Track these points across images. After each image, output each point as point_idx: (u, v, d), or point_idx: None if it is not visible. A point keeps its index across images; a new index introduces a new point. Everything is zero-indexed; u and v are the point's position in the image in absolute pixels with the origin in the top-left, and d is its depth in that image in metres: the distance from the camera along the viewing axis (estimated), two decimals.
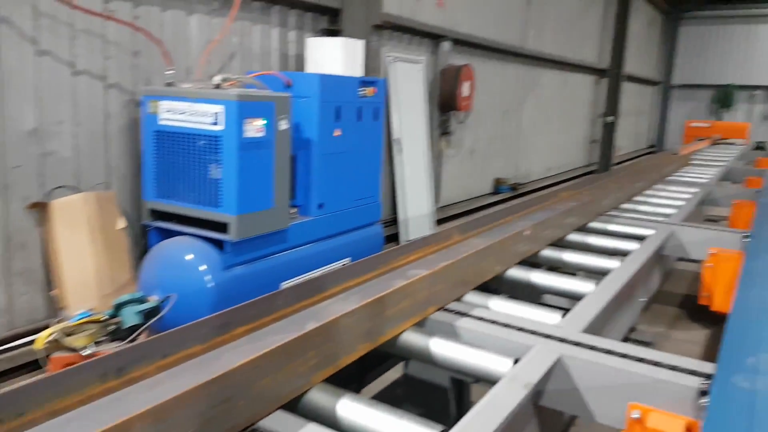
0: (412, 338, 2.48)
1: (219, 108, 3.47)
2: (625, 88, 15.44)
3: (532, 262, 4.04)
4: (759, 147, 19.59)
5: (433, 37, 7.39)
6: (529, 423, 2.35)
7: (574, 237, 4.42)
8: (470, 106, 7.91)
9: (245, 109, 3.48)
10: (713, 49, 20.27)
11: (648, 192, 6.57)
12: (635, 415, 2.01)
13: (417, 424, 1.79)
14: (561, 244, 4.34)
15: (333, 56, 4.73)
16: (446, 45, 7.40)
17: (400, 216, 6.81)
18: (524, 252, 3.74)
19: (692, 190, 6.65)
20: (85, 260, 3.90)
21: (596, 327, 2.76)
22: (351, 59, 4.76)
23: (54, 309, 3.95)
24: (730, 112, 19.97)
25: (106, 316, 3.62)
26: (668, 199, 6.15)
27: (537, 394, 2.34)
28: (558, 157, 12.83)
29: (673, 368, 2.22)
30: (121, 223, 4.04)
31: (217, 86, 3.58)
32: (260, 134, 3.57)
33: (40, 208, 3.87)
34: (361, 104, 4.60)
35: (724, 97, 19.98)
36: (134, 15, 4.11)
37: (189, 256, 3.64)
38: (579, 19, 12.58)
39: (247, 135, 3.50)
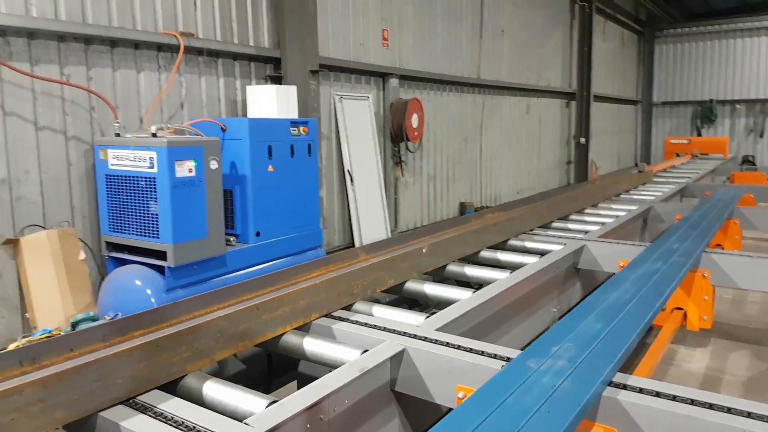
0: (289, 339, 3.05)
1: (153, 154, 4.10)
2: (599, 109, 15.90)
3: (439, 275, 4.55)
4: (746, 161, 19.69)
5: (379, 75, 8.01)
6: (388, 406, 2.86)
7: (486, 253, 4.92)
8: (420, 136, 8.51)
9: (175, 153, 4.10)
10: (691, 65, 20.34)
11: (588, 210, 7.00)
12: (460, 395, 2.43)
13: (254, 395, 2.36)
14: (471, 259, 4.84)
15: (268, 101, 5.35)
16: (393, 81, 8.03)
17: (356, 241, 7.39)
18: (424, 267, 4.26)
19: (632, 207, 7.06)
20: (51, 287, 4.52)
21: (455, 327, 3.20)
22: (284, 103, 5.35)
23: (29, 329, 4.58)
24: (713, 127, 19.90)
25: (64, 333, 4.26)
26: (602, 217, 6.53)
27: (393, 381, 2.87)
28: (528, 179, 13.27)
29: (494, 356, 2.73)
30: (82, 255, 4.66)
31: (154, 135, 4.20)
32: (191, 174, 4.19)
33: (13, 244, 4.51)
34: (293, 142, 5.19)
35: (706, 112, 19.91)
36: (88, 76, 4.78)
37: (136, 281, 4.26)
38: (538, 46, 13.13)
39: (178, 175, 4.11)
